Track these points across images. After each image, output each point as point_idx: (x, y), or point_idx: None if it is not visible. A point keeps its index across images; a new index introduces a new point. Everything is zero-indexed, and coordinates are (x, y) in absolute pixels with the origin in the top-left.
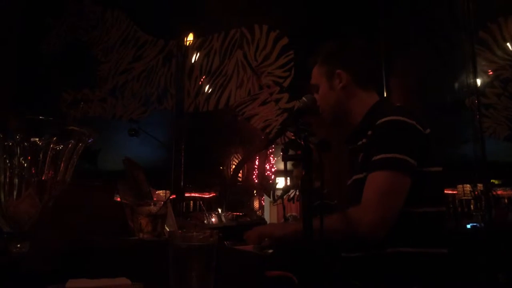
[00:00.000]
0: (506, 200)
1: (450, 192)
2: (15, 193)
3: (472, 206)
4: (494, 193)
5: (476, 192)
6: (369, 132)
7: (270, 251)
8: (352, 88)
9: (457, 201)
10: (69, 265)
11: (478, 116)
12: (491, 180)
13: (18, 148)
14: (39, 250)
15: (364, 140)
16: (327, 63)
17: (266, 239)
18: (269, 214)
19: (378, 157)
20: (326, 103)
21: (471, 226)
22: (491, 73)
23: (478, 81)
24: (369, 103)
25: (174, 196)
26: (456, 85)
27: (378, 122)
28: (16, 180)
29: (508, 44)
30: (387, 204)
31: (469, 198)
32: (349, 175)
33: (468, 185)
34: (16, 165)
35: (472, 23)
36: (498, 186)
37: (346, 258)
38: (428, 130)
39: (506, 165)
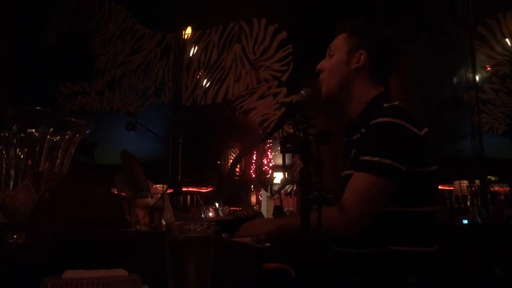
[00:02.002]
0: (502, 196)
1: (446, 188)
2: (11, 184)
3: (468, 202)
4: (491, 189)
5: (473, 188)
6: (363, 130)
7: (268, 244)
8: (364, 74)
9: (453, 197)
10: (66, 256)
11: (476, 112)
12: (488, 176)
13: (15, 139)
14: (36, 241)
15: (358, 136)
16: (355, 37)
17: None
18: (266, 209)
19: (365, 158)
20: (333, 73)
21: (467, 222)
22: (489, 68)
23: (477, 77)
24: (371, 95)
25: (171, 190)
26: (455, 80)
27: (372, 122)
28: (12, 171)
29: (507, 40)
30: (364, 207)
31: (466, 194)
32: (342, 168)
33: (465, 181)
34: (13, 156)
35: (471, 19)
36: (495, 182)
37: (341, 253)
38: (424, 130)
39: (503, 161)
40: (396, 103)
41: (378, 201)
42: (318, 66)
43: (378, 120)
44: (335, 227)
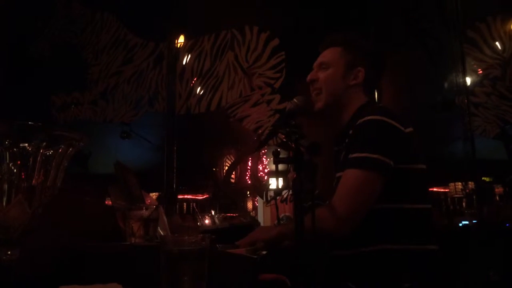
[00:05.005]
0: (497, 197)
1: (442, 190)
2: (4, 199)
3: (464, 204)
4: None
5: (467, 190)
6: (350, 132)
7: (264, 252)
8: (359, 88)
9: (449, 199)
10: (60, 271)
11: (467, 115)
12: (483, 178)
13: (7, 154)
14: (30, 257)
15: (347, 140)
16: (352, 53)
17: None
18: (263, 215)
19: (353, 155)
20: (330, 87)
21: (463, 224)
22: (480, 72)
23: (468, 80)
24: (358, 104)
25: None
26: (446, 84)
27: (358, 122)
28: (5, 186)
29: (497, 43)
30: (354, 201)
31: (461, 196)
32: (334, 174)
33: (459, 183)
34: (6, 170)
35: (461, 22)
36: (490, 183)
37: (338, 256)
38: (409, 129)
39: (497, 162)
40: (381, 105)
41: (368, 196)
42: (312, 77)
43: (364, 119)
44: (326, 226)
